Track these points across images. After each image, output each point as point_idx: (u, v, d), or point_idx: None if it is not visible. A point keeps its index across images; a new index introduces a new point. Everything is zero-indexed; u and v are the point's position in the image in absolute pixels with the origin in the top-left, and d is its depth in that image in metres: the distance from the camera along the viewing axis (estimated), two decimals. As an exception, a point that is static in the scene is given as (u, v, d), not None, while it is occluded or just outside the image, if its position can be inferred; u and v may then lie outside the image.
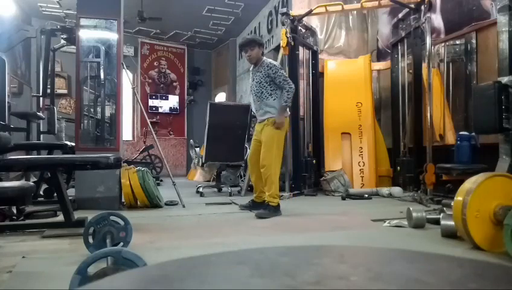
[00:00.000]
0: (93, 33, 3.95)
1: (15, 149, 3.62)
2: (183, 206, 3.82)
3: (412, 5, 4.76)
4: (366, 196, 4.58)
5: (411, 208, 2.74)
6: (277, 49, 6.05)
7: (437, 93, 4.49)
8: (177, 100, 9.94)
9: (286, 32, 4.85)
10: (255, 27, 8.27)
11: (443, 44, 4.65)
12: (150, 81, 9.68)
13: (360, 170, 5.15)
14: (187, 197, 4.37)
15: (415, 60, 4.86)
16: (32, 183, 1.83)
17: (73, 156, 3.43)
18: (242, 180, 5.72)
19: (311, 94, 5.60)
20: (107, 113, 4.17)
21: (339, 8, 5.13)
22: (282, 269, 0.31)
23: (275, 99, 3.40)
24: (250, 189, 4.63)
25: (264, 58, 3.53)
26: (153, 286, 0.29)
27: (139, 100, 5.25)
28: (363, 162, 5.17)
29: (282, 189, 4.39)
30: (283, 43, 4.86)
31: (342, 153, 5.28)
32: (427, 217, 2.73)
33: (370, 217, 3.16)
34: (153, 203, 3.78)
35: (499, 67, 3.04)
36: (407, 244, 2.27)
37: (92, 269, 1.20)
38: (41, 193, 3.80)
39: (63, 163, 2.44)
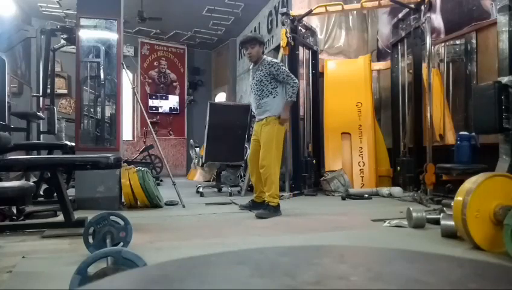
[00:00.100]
0: (93, 33, 3.95)
1: (15, 149, 3.62)
2: (183, 206, 3.82)
3: (412, 5, 4.76)
4: (366, 196, 4.58)
5: (411, 208, 2.74)
6: (277, 49, 6.05)
7: (437, 93, 4.49)
8: (177, 100, 9.94)
9: (286, 32, 4.85)
10: (255, 27, 8.27)
11: (443, 44, 4.65)
12: (150, 81, 9.68)
13: (360, 170, 5.15)
14: (187, 197, 4.37)
15: (415, 60, 4.86)
16: (32, 183, 1.83)
17: (73, 156, 3.43)
18: (242, 180, 5.72)
19: (311, 94, 5.61)
20: (107, 113, 4.17)
21: (339, 8, 5.13)
22: (282, 269, 0.31)
23: (274, 97, 3.38)
24: (250, 189, 4.63)
25: (265, 56, 3.52)
26: (153, 286, 0.29)
27: (139, 100, 5.25)
28: (363, 162, 5.17)
29: (282, 189, 4.39)
30: (283, 43, 4.86)
31: (342, 153, 5.28)
32: (427, 217, 2.73)
33: (370, 217, 3.16)
34: (153, 203, 3.78)
35: (499, 67, 3.04)
36: (407, 244, 2.27)
37: (92, 269, 1.20)
38: (41, 193, 3.80)
39: (63, 163, 2.44)
